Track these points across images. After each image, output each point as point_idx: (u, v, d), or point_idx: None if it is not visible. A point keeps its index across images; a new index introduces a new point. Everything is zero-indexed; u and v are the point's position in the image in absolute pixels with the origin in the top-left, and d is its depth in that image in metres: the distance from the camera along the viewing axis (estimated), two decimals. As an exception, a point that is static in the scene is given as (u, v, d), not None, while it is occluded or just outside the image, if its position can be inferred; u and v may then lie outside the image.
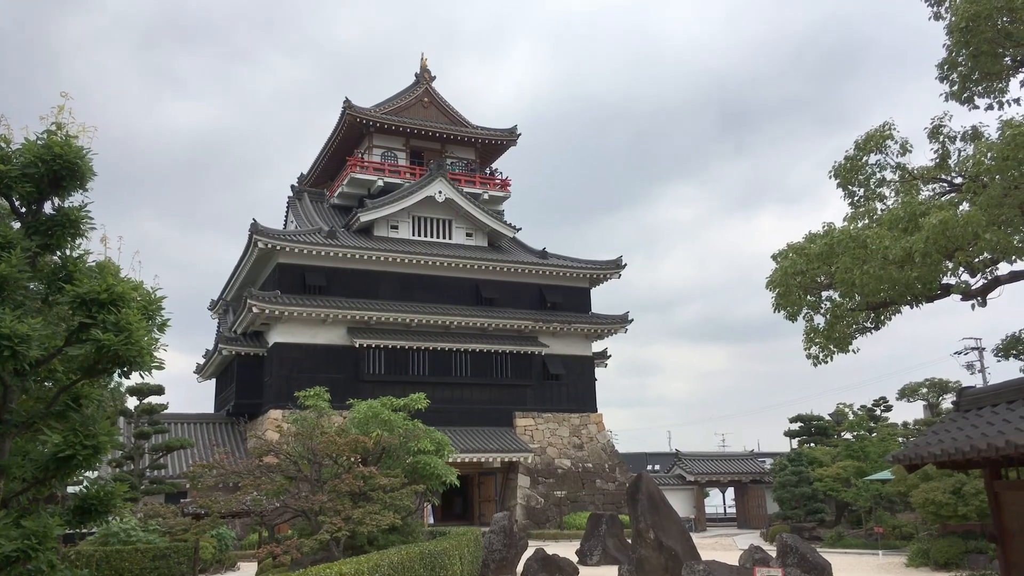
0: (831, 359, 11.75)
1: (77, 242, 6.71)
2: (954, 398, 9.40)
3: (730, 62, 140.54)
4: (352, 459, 15.54)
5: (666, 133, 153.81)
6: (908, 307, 10.03)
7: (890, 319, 10.85)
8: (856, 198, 10.33)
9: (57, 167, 6.26)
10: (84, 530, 30.31)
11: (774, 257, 10.28)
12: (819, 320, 11.22)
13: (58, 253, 6.74)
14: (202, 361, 47.69)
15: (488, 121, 51.79)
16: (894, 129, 10.42)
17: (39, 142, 6.35)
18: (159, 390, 32.82)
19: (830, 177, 10.46)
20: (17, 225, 6.49)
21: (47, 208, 6.61)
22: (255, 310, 38.86)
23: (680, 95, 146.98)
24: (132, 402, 33.06)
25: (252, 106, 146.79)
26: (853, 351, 11.67)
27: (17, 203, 6.46)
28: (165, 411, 35.05)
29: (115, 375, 8.33)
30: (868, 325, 11.55)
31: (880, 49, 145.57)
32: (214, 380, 49.36)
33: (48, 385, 6.63)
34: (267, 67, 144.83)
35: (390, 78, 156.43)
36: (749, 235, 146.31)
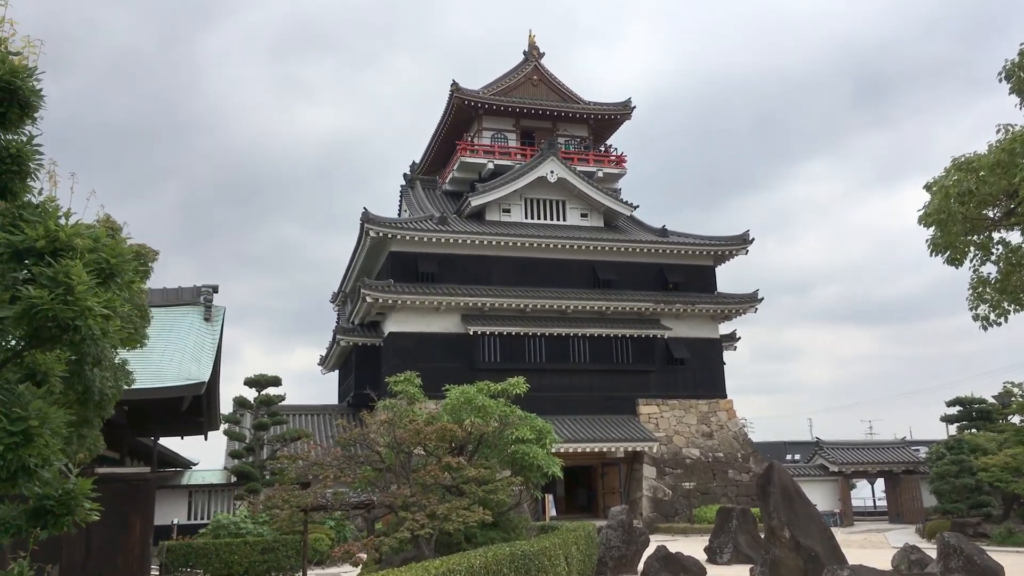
0: (1005, 319, 9.26)
1: (35, 185, 5.53)
2: None
3: (862, 27, 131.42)
4: (442, 449, 14.25)
5: (796, 108, 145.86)
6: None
7: (1089, 264, 8.39)
8: (1039, 106, 7.86)
9: (-9, 89, 5.06)
10: (197, 522, 30.69)
11: (928, 187, 7.96)
12: (990, 269, 8.83)
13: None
14: (325, 353, 48.29)
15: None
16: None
17: (-33, 60, 5.16)
18: (276, 381, 32.99)
19: (1000, 81, 8.01)
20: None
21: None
22: (368, 299, 38.63)
23: (809, 67, 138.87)
24: (251, 394, 33.37)
25: (377, 108, 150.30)
26: (1036, 309, 9.17)
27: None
28: (284, 403, 35.26)
29: (115, 351, 7.20)
30: (1057, 275, 9.04)
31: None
32: (337, 372, 49.93)
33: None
34: (390, 69, 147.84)
35: (507, 67, 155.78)
36: (891, 211, 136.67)
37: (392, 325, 39.94)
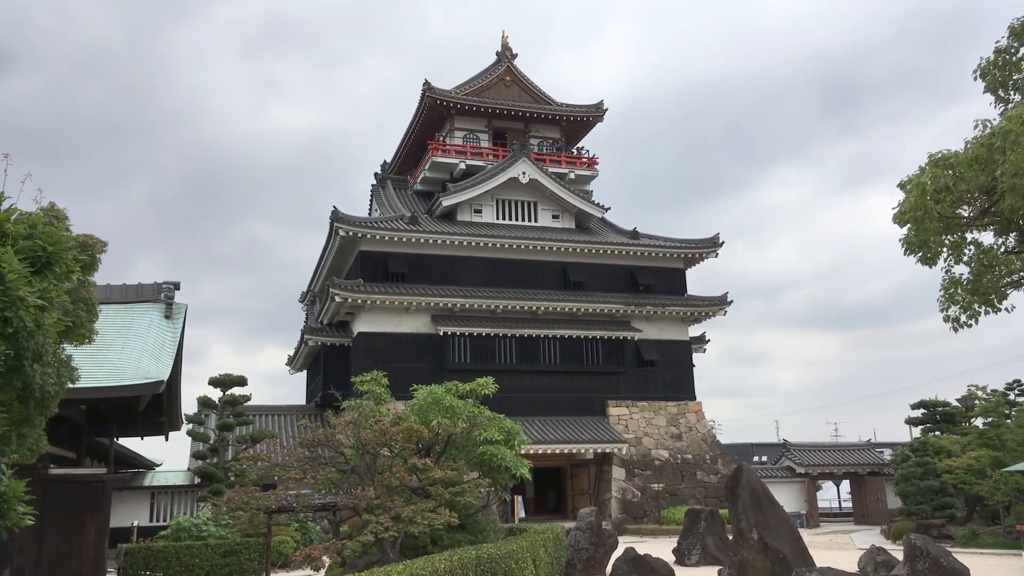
0: (976, 321, 9.22)
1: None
2: None
3: (834, 35, 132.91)
4: (409, 450, 13.96)
5: (768, 114, 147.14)
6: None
7: (1059, 263, 8.35)
8: (1011, 106, 7.70)
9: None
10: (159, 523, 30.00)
11: (903, 185, 7.86)
12: (962, 271, 8.78)
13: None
14: (293, 353, 47.65)
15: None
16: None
17: None
18: (241, 381, 32.42)
19: (975, 79, 7.91)
20: None
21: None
22: (337, 299, 38.19)
23: (782, 73, 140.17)
24: (216, 394, 32.78)
25: (352, 107, 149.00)
26: (1006, 310, 9.15)
27: None
28: (250, 403, 34.66)
29: (62, 347, 6.87)
30: (1027, 275, 9.02)
31: (1001, 12, 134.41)
32: (306, 372, 49.32)
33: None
34: (364, 68, 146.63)
35: (481, 68, 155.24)
36: (860, 217, 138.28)
37: (361, 325, 39.51)
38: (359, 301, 38.59)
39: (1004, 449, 31.74)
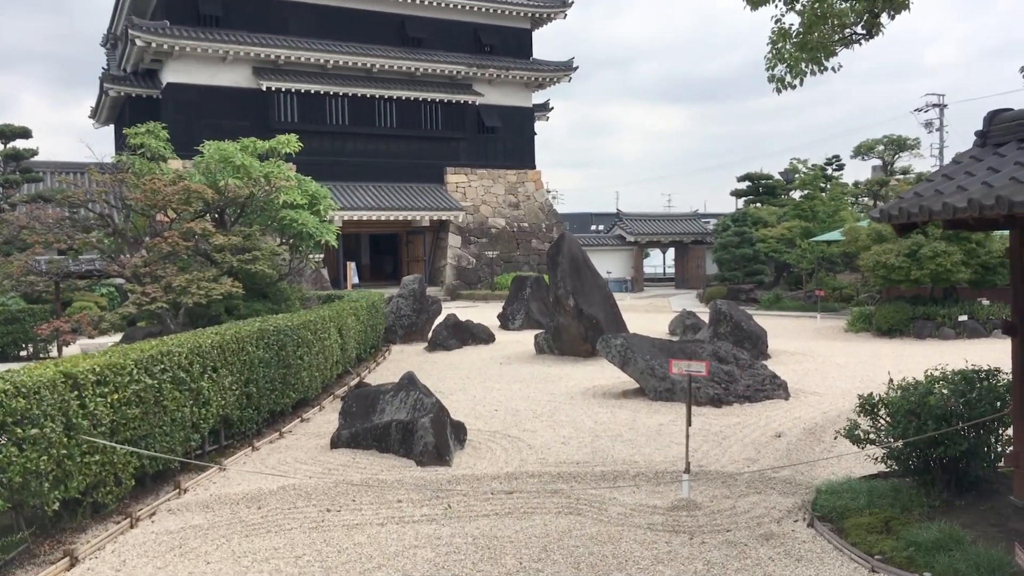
0: (800, 82, 8.57)
1: None
2: (981, 128, 6.27)
3: None
4: (189, 213, 12.30)
5: None
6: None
7: (892, 16, 7.55)
8: None
9: None
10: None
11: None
12: (792, 21, 7.85)
13: None
14: (95, 104, 42.50)
15: None
16: None
17: None
18: (25, 133, 28.48)
19: None
20: None
21: None
22: (139, 43, 33.47)
23: None
24: (-4, 148, 28.76)
25: None
26: (832, 69, 8.44)
27: None
28: (42, 159, 30.89)
29: None
30: (859, 32, 8.21)
31: None
32: (113, 127, 44.49)
33: None
34: None
35: None
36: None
37: (171, 75, 35.23)
38: (165, 47, 34.03)
39: (815, 220, 33.66)
